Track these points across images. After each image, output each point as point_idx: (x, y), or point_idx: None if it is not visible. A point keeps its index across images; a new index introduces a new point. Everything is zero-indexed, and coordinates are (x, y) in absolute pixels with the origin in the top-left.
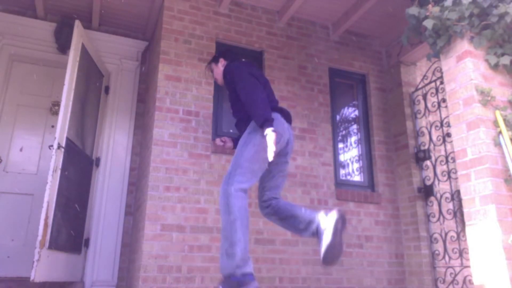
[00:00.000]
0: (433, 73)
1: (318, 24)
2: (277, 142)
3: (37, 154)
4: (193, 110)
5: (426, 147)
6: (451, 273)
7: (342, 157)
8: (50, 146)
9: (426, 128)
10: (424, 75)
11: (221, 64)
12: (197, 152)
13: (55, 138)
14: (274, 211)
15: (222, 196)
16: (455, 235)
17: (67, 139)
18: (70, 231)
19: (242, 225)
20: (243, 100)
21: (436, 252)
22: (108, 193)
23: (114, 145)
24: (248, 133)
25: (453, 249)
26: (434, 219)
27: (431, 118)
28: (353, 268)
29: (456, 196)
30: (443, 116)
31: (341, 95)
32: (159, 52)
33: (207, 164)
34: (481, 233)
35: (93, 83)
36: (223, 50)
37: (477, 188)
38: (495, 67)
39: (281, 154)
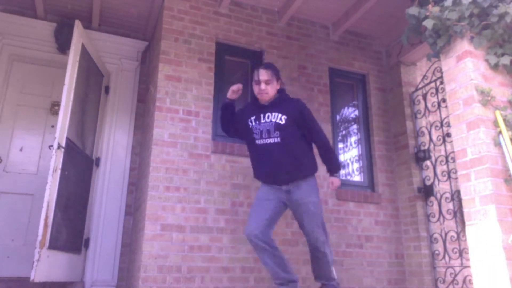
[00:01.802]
0: (433, 73)
1: (318, 24)
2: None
3: (37, 154)
4: (193, 110)
5: (426, 147)
6: (451, 273)
7: (342, 157)
8: (50, 146)
9: (426, 128)
10: (424, 75)
11: (277, 86)
12: (197, 152)
13: (55, 138)
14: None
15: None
16: (455, 235)
17: (67, 139)
18: (70, 231)
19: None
20: (324, 144)
21: (436, 252)
22: (108, 193)
23: (114, 145)
24: (312, 188)
25: (453, 249)
26: (434, 219)
27: (431, 118)
28: (353, 268)
29: (456, 196)
30: (443, 116)
31: (341, 95)
32: (159, 52)
33: (207, 164)
34: (481, 233)
35: (93, 83)
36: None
37: (477, 188)
38: (495, 67)
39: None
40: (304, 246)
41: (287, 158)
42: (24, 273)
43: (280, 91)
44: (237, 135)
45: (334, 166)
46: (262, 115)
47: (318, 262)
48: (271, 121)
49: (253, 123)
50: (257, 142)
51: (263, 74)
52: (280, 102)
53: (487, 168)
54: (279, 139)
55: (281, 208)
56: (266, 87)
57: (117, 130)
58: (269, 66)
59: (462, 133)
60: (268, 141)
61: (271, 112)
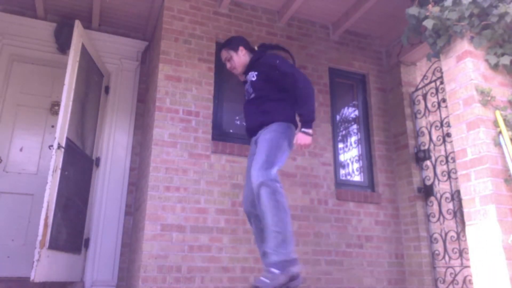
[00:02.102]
0: (433, 73)
1: (318, 24)
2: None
3: (37, 154)
4: (193, 110)
5: (426, 147)
6: (451, 273)
7: (342, 157)
8: (50, 146)
9: (426, 128)
10: (424, 75)
11: (242, 53)
12: (197, 152)
13: (55, 138)
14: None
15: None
16: (455, 235)
17: (67, 139)
18: (70, 231)
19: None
20: (302, 91)
21: (436, 252)
22: (108, 193)
23: (114, 145)
24: (270, 130)
25: (453, 249)
26: (434, 219)
27: (431, 118)
28: (353, 268)
29: (456, 196)
30: (443, 116)
31: (341, 95)
32: (159, 52)
33: (207, 164)
34: (481, 233)
35: (93, 83)
36: (238, 38)
37: (477, 188)
38: (495, 67)
39: None
40: (304, 245)
41: (257, 109)
42: (24, 273)
43: (253, 53)
44: None
45: (301, 112)
46: (246, 79)
47: (262, 220)
48: (249, 80)
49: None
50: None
51: (222, 55)
52: (253, 62)
53: (487, 168)
54: (254, 95)
55: None
56: (230, 64)
57: (117, 130)
58: (224, 44)
59: (462, 133)
60: (249, 98)
61: (248, 73)
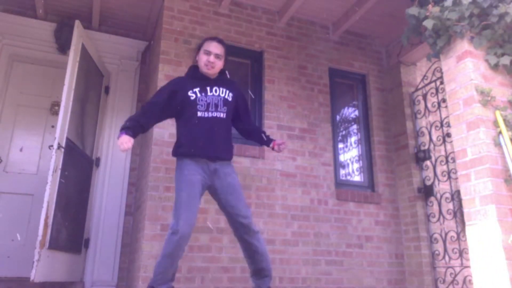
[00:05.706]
0: (433, 73)
1: (318, 24)
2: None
3: (37, 154)
4: None
5: (426, 147)
6: (451, 273)
7: (342, 157)
8: (50, 146)
9: (426, 128)
10: (424, 75)
11: (223, 64)
12: None
13: (55, 138)
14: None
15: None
16: (455, 235)
17: (67, 139)
18: (70, 231)
19: None
20: (255, 124)
21: (436, 252)
22: (108, 193)
23: (114, 145)
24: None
25: (453, 249)
26: (434, 219)
27: (431, 118)
28: (353, 268)
29: (456, 196)
30: (443, 116)
31: (341, 95)
32: (159, 52)
33: None
34: (481, 233)
35: (93, 83)
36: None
37: (477, 188)
38: (495, 67)
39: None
40: (304, 245)
41: (227, 134)
42: (24, 273)
43: (223, 71)
44: (162, 118)
45: (266, 135)
46: (208, 88)
47: (258, 249)
48: (219, 95)
49: (198, 95)
50: (200, 114)
51: (216, 47)
52: (224, 80)
53: (487, 168)
54: (225, 115)
55: (201, 195)
56: (214, 61)
57: (117, 130)
58: (223, 42)
59: (462, 133)
60: (214, 114)
61: (218, 87)
